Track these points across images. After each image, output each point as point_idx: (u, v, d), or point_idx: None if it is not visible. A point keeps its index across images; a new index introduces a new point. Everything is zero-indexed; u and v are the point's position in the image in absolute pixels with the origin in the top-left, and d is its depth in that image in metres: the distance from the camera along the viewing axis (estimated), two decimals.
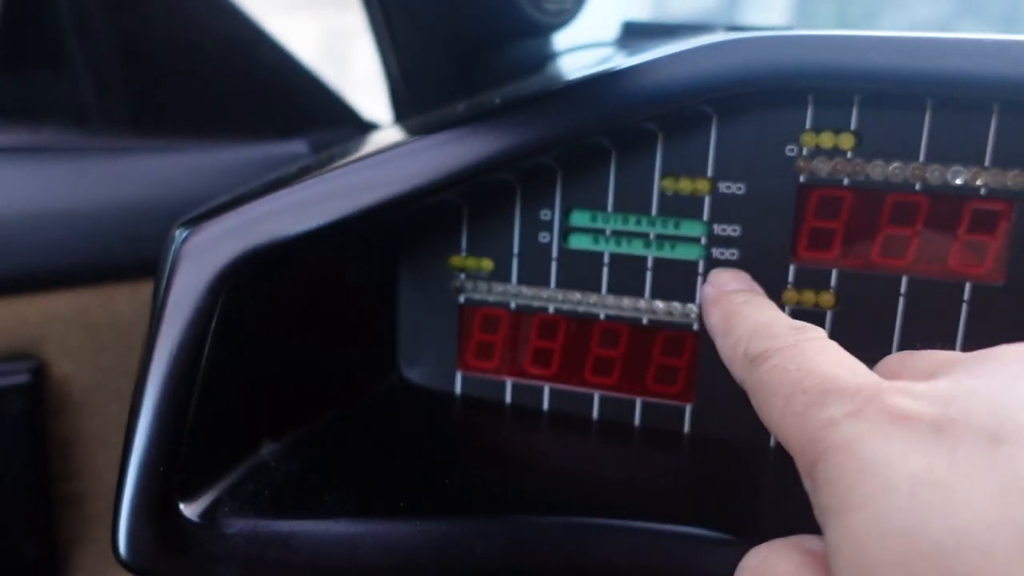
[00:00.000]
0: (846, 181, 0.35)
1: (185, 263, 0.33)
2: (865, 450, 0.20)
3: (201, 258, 0.33)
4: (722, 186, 0.37)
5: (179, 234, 0.33)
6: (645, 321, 0.39)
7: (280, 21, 0.65)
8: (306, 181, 0.34)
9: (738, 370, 0.28)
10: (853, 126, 0.35)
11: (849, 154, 0.35)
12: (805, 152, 0.35)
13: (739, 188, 0.37)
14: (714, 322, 0.32)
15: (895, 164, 0.35)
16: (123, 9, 0.57)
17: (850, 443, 0.21)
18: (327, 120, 0.67)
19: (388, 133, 0.43)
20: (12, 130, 0.58)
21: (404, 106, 0.65)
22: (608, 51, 0.56)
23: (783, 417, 0.24)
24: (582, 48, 0.58)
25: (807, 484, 0.23)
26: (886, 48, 0.32)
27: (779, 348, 0.26)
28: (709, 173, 0.37)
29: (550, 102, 0.35)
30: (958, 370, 0.23)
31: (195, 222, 0.33)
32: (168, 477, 0.31)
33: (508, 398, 0.42)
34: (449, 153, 0.34)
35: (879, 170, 0.35)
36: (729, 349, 0.30)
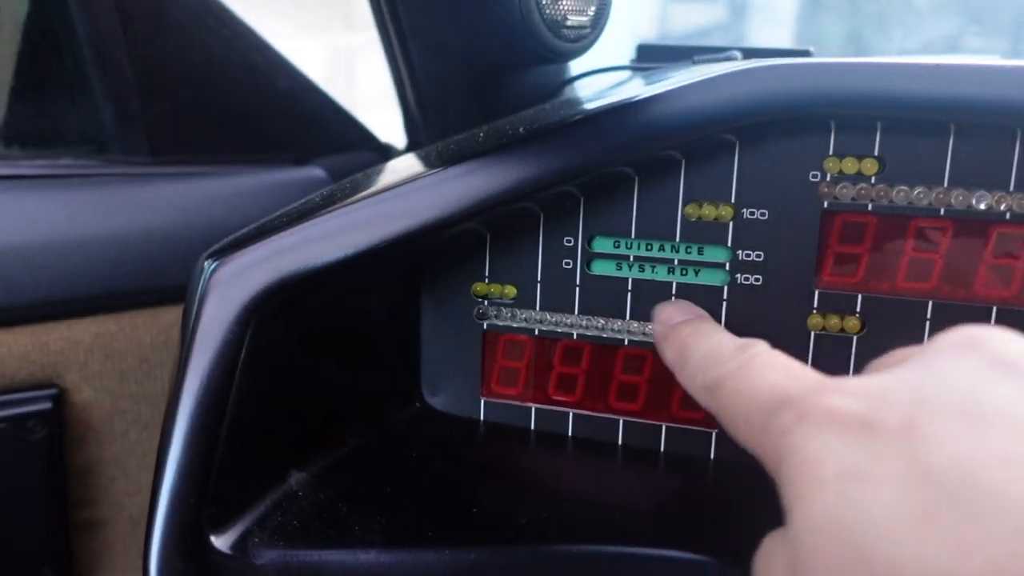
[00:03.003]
0: (870, 206, 0.35)
1: (214, 294, 0.33)
2: (807, 450, 0.22)
3: (230, 289, 0.33)
4: (745, 212, 0.37)
5: (208, 265, 0.34)
6: None
7: (287, 41, 0.66)
8: (332, 212, 0.34)
9: (702, 399, 0.30)
10: (876, 151, 0.35)
11: (873, 179, 0.35)
12: (828, 178, 0.36)
13: (763, 214, 0.37)
14: (670, 358, 0.33)
15: (919, 189, 0.35)
16: (142, 38, 0.58)
17: (796, 446, 0.22)
18: (344, 144, 0.68)
19: (408, 161, 0.43)
20: (33, 158, 0.58)
21: (418, 130, 0.65)
22: (625, 75, 0.56)
23: (749, 434, 0.25)
24: (599, 72, 0.59)
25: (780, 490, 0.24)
26: (908, 75, 0.32)
27: (729, 372, 0.28)
28: (732, 199, 0.37)
29: (574, 131, 0.35)
30: (904, 363, 0.24)
31: (223, 253, 0.34)
32: (199, 509, 0.32)
33: (532, 424, 0.42)
34: (475, 183, 0.34)
35: (903, 195, 0.35)
36: (688, 381, 0.31)
